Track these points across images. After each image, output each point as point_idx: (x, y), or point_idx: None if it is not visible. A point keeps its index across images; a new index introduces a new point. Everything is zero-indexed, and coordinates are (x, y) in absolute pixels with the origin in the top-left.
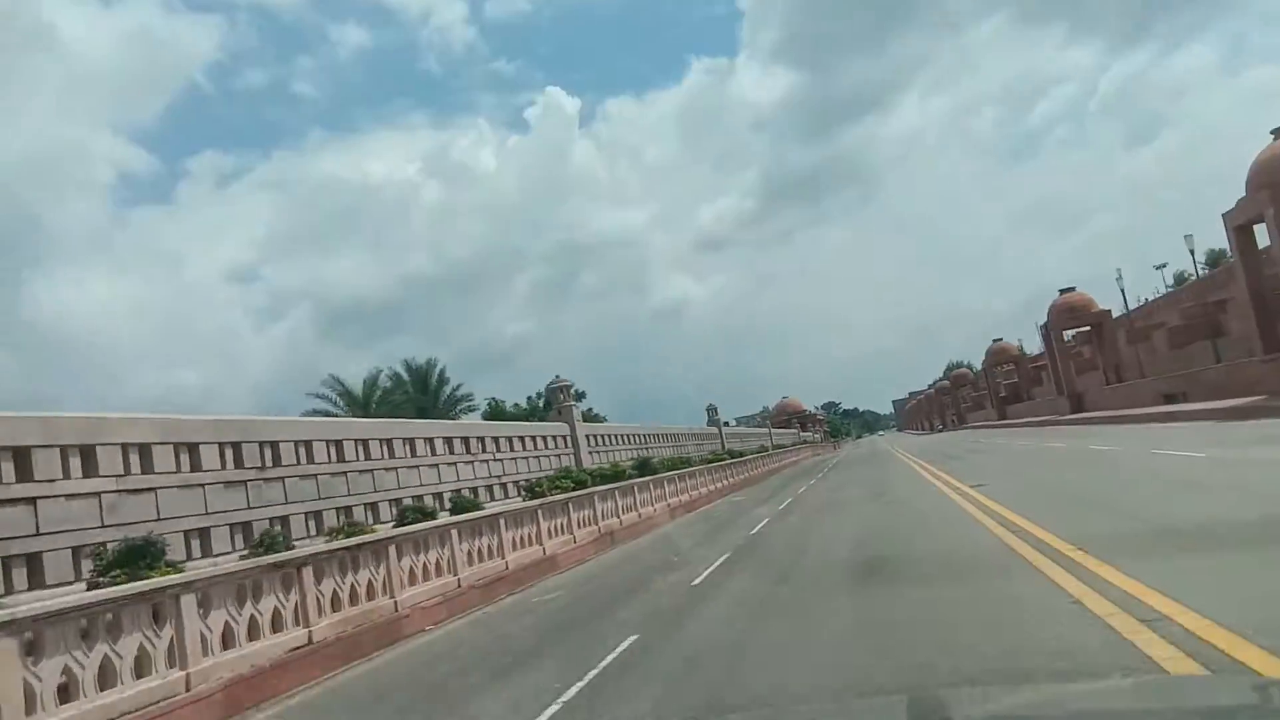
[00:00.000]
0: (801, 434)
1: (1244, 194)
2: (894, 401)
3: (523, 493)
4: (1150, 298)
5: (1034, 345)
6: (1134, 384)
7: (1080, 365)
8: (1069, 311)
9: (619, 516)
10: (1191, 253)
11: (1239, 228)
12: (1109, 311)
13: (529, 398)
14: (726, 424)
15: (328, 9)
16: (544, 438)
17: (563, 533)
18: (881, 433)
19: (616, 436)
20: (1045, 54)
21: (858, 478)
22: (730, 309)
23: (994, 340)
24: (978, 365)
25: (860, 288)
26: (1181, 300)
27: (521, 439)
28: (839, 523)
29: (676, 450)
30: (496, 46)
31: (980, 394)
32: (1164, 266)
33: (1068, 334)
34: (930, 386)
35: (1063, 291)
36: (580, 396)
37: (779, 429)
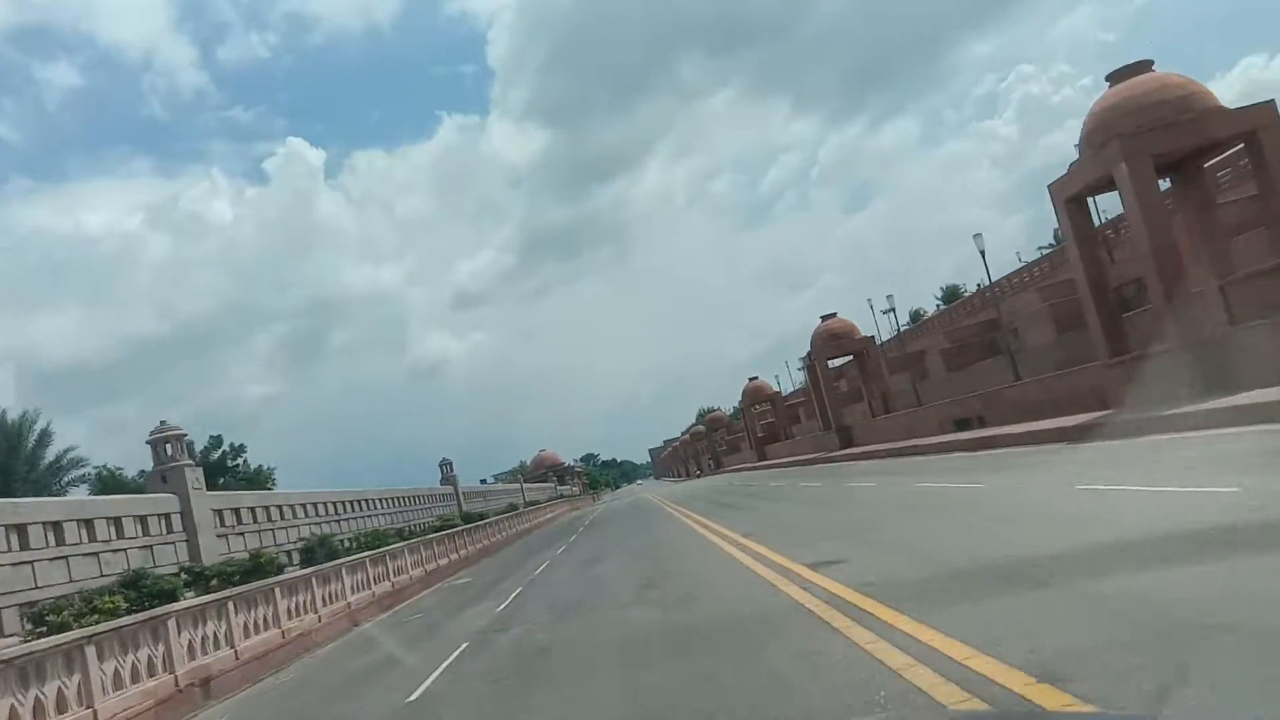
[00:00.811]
0: (559, 488)
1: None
2: (650, 450)
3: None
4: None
5: (785, 387)
6: (913, 412)
7: (842, 398)
8: (832, 339)
9: (233, 644)
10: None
11: (1071, 200)
12: (871, 338)
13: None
14: (485, 481)
15: (32, 46)
16: (129, 519)
17: (77, 705)
18: (640, 481)
19: (285, 509)
20: (773, 125)
21: (620, 541)
22: (490, 365)
23: (749, 379)
24: (729, 411)
25: (617, 341)
26: (952, 320)
27: (86, 523)
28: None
29: (396, 518)
30: (231, 93)
31: (736, 436)
32: (890, 311)
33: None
34: (684, 433)
35: (824, 318)
36: (236, 452)
37: (535, 484)
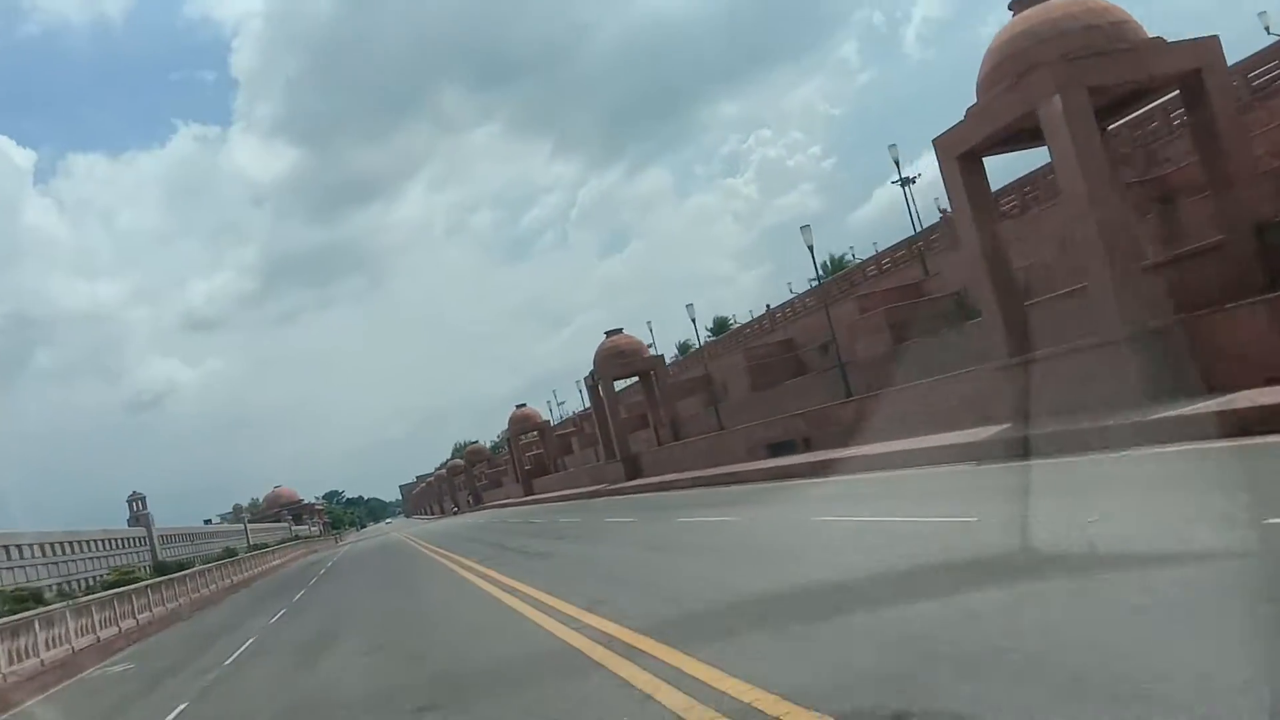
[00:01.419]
0: (294, 528)
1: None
2: (401, 486)
3: None
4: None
5: (552, 419)
6: (717, 436)
7: (627, 424)
8: (618, 356)
9: None
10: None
11: (966, 156)
12: (661, 357)
13: None
14: (211, 521)
15: None
16: None
17: None
18: (389, 520)
19: None
20: (535, 164)
21: (365, 602)
22: (226, 395)
23: (517, 406)
24: (490, 444)
25: (368, 373)
26: (748, 339)
27: None
28: None
29: (61, 569)
30: None
31: (498, 470)
32: (651, 345)
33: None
34: (440, 467)
35: (609, 334)
36: None
37: (266, 524)
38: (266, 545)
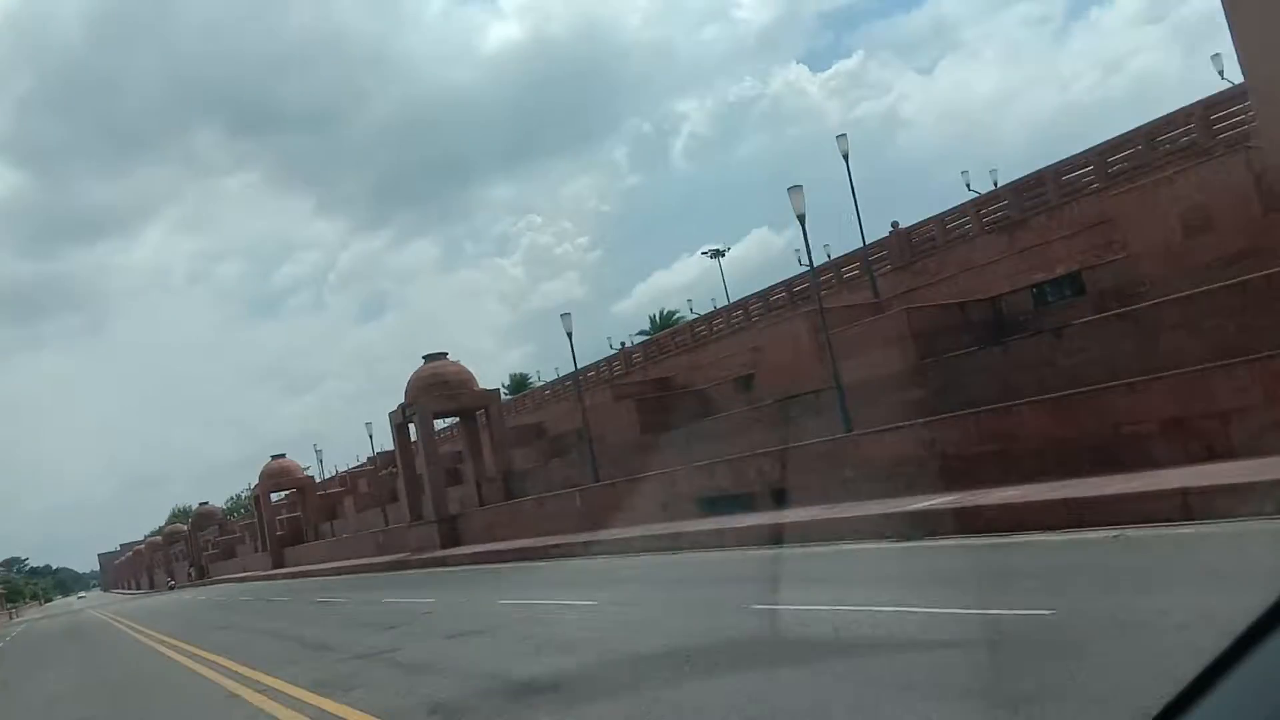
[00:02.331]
0: None
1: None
2: (100, 555)
3: None
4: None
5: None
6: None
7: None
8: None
9: None
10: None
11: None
12: (312, 477)
13: None
14: None
15: None
16: None
17: None
18: (83, 594)
19: None
20: (294, 220)
21: None
22: None
23: (273, 456)
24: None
25: (72, 427)
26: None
27: None
28: None
29: None
30: None
31: (231, 538)
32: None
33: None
34: (156, 533)
35: (274, 457)
36: None
37: None
38: None
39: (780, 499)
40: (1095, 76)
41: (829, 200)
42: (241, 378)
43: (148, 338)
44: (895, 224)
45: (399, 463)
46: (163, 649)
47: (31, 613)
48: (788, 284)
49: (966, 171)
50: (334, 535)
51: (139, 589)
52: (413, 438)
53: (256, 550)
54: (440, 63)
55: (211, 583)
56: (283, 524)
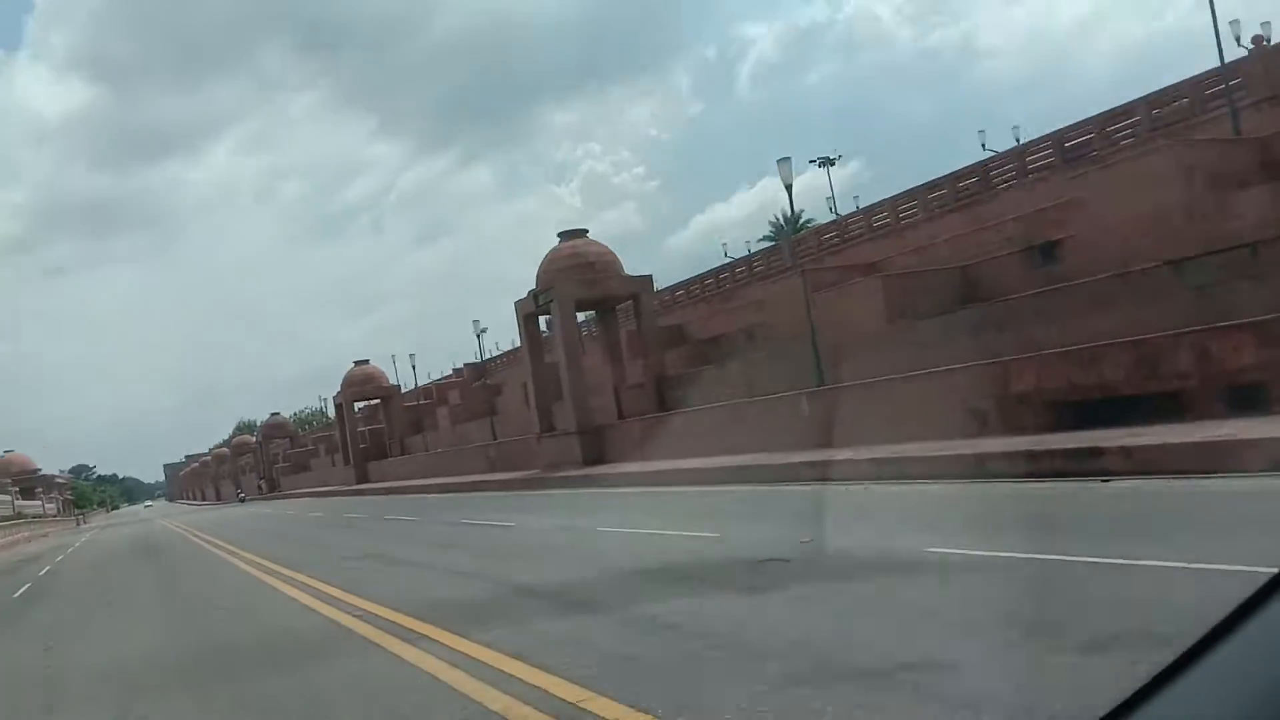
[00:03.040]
0: (22, 503)
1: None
2: (166, 466)
3: None
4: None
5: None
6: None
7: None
8: (363, 382)
9: None
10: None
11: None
12: (397, 387)
13: None
14: None
15: None
16: None
17: None
18: (149, 502)
19: None
20: (356, 141)
21: None
22: None
23: (356, 363)
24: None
25: (141, 341)
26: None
27: None
28: None
29: None
30: None
31: (303, 451)
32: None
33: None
34: (224, 444)
35: (357, 363)
36: None
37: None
38: None
39: (1241, 401)
40: (1188, 4)
41: (896, 130)
42: (303, 297)
43: (213, 255)
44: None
45: (529, 360)
46: (278, 584)
47: (98, 520)
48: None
49: (1236, 20)
50: (426, 449)
51: (204, 500)
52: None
53: (334, 464)
54: None
55: (283, 496)
56: (364, 436)
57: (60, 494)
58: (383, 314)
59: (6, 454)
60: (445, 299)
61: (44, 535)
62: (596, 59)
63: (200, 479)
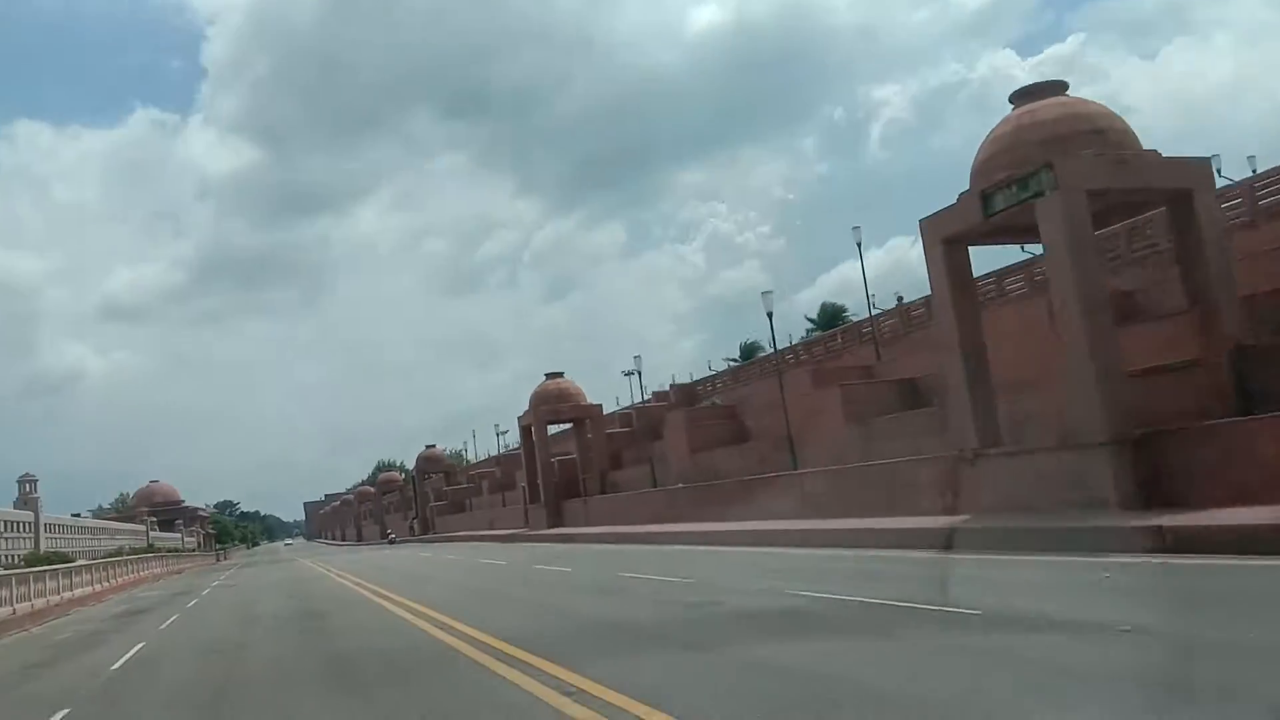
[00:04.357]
0: (157, 534)
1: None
2: (306, 504)
3: None
4: None
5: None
6: None
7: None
8: (558, 399)
9: None
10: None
11: (951, 240)
12: (599, 406)
13: None
14: (79, 515)
15: None
16: None
17: None
18: (289, 540)
19: None
20: (497, 200)
21: None
22: (133, 388)
23: (427, 447)
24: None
25: (286, 388)
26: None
27: None
28: None
29: None
30: None
31: (460, 490)
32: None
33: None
34: (366, 482)
35: (549, 376)
36: None
37: (126, 525)
38: (64, 557)
39: None
40: None
41: None
42: (435, 350)
43: (356, 307)
44: None
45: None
46: None
47: (238, 557)
48: None
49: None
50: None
51: (343, 540)
52: None
53: (503, 503)
54: (643, 45)
55: (437, 538)
56: (554, 469)
57: (201, 527)
58: (510, 367)
59: (152, 483)
60: (570, 352)
61: (176, 573)
62: (728, 120)
63: (341, 518)
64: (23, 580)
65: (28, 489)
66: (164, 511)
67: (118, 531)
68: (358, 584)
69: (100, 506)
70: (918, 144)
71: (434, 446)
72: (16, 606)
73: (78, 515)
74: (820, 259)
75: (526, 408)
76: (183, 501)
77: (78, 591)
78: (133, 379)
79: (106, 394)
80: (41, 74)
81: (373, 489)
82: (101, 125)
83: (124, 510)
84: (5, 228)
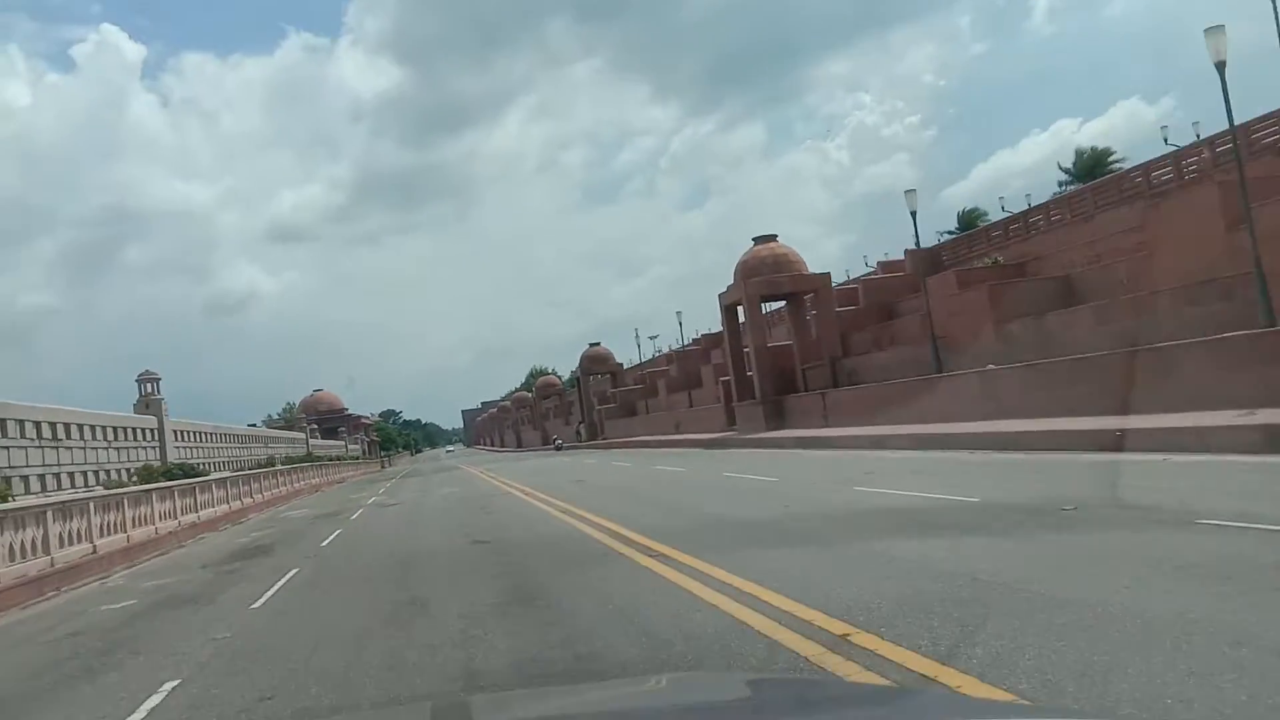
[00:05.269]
0: (317, 442)
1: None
2: (464, 412)
3: None
4: None
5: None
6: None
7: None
8: (773, 268)
9: None
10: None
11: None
12: (827, 275)
13: None
14: (255, 425)
15: None
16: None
17: None
18: (449, 448)
19: None
20: (632, 106)
21: None
22: (299, 307)
23: (755, 241)
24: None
25: (440, 301)
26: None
27: None
28: None
29: None
30: None
31: (629, 392)
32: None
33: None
34: (523, 387)
35: (759, 240)
36: None
37: (293, 434)
38: (258, 465)
39: None
40: None
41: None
42: (578, 261)
43: (502, 220)
44: None
45: (726, 344)
46: None
47: (403, 463)
48: None
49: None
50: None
51: (501, 446)
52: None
53: (689, 403)
54: None
55: (614, 445)
56: (770, 358)
57: (366, 435)
58: (651, 275)
59: (315, 392)
60: (709, 259)
61: (337, 482)
62: (872, 3)
63: (498, 424)
64: (108, 505)
65: (149, 389)
66: (327, 419)
67: (273, 439)
68: (576, 514)
69: (270, 416)
70: (1084, 15)
71: (598, 344)
72: (98, 542)
73: (254, 425)
74: (975, 149)
75: (729, 284)
76: (346, 410)
77: (202, 514)
78: (300, 296)
79: (277, 311)
80: (200, 4)
81: (529, 394)
82: (259, 52)
83: (290, 419)
84: (181, 158)
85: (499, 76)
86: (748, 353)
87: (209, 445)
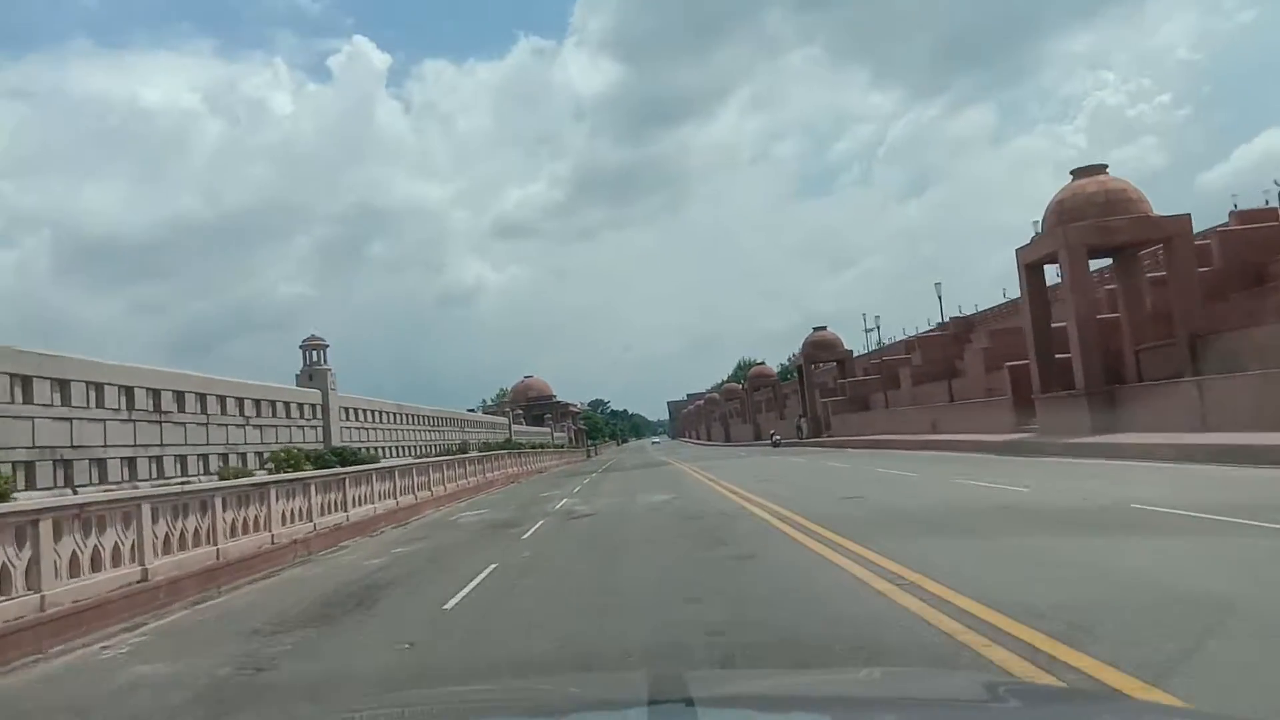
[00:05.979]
0: (520, 428)
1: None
2: (670, 403)
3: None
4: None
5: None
6: None
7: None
8: (1103, 207)
9: None
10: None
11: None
12: (1187, 216)
13: None
14: (473, 410)
15: None
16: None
17: None
18: (654, 439)
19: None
20: (851, 93)
21: None
22: (519, 299)
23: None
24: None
25: (651, 293)
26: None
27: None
28: None
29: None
30: None
31: (867, 384)
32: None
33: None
34: (734, 379)
35: (1077, 174)
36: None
37: (494, 419)
38: (466, 448)
39: None
40: None
41: None
42: (789, 252)
43: (715, 213)
44: None
45: (1029, 316)
46: None
47: (608, 453)
48: None
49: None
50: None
51: (708, 439)
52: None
53: (949, 398)
54: None
55: (835, 443)
56: (1098, 331)
57: (573, 423)
58: (864, 267)
59: (526, 379)
60: (926, 252)
61: (536, 472)
62: None
63: (705, 416)
64: (215, 500)
65: (314, 357)
66: (535, 406)
67: (472, 424)
68: (906, 581)
69: (484, 401)
70: None
71: (823, 328)
72: (150, 565)
73: (473, 410)
74: (1238, 129)
75: (1030, 237)
76: (554, 397)
77: (353, 513)
78: (520, 289)
79: (500, 303)
80: (440, 13)
81: (739, 385)
82: (491, 57)
83: (501, 404)
84: (420, 159)
85: (715, 69)
86: (1053, 330)
87: (386, 427)
